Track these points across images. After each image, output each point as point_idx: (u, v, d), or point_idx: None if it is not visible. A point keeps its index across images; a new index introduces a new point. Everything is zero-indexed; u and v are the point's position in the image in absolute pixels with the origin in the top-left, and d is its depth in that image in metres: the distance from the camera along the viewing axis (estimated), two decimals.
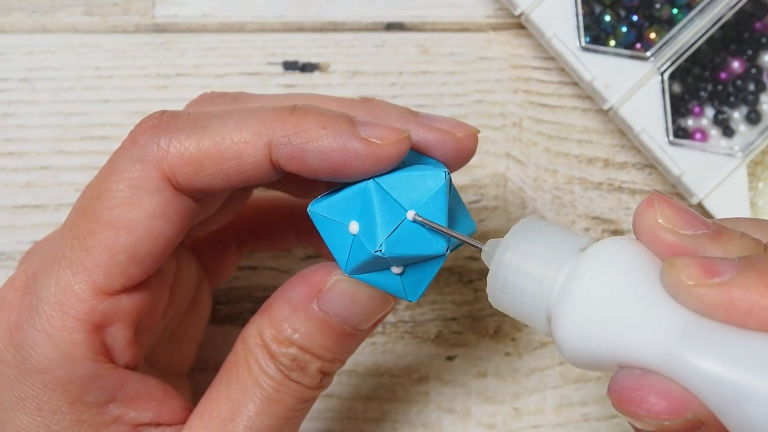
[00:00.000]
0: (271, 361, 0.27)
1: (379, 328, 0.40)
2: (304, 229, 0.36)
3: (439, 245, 0.26)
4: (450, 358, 0.40)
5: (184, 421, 0.29)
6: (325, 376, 0.28)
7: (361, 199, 0.26)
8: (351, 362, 0.39)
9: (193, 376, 0.39)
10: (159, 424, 0.28)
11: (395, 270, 0.27)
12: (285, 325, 0.27)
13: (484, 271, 0.40)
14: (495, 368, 0.40)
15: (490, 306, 0.40)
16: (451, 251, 0.27)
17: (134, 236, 0.26)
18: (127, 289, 0.27)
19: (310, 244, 0.36)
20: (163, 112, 0.27)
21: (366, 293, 0.27)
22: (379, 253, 0.26)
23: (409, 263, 0.27)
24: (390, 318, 0.40)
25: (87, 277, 0.26)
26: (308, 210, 0.27)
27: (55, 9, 0.40)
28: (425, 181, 0.26)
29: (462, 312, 0.40)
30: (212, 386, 0.28)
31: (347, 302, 0.27)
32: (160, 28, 0.40)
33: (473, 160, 0.40)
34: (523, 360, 0.40)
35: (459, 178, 0.40)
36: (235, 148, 0.26)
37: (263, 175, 0.27)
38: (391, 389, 0.40)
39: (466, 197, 0.40)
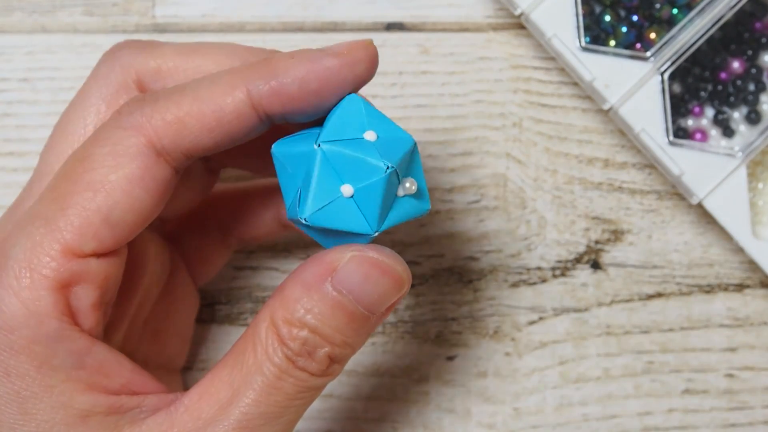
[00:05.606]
0: (279, 346, 0.27)
1: (380, 328, 0.40)
2: (284, 212, 0.36)
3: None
4: (450, 358, 0.40)
5: (160, 392, 0.28)
6: (333, 363, 0.28)
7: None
8: (351, 362, 0.39)
9: (193, 376, 0.39)
10: (136, 393, 0.28)
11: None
12: (298, 305, 0.27)
13: (484, 272, 0.40)
14: (495, 368, 0.40)
15: (491, 306, 0.40)
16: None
17: (111, 199, 0.27)
18: (97, 255, 0.27)
19: (292, 228, 0.36)
20: (144, 93, 0.29)
21: (379, 268, 0.27)
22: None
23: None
24: (390, 318, 0.40)
25: (59, 235, 0.26)
26: (271, 150, 0.27)
27: (55, 9, 0.40)
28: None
29: (462, 312, 0.40)
30: (216, 368, 0.28)
31: (361, 278, 0.27)
32: (160, 28, 0.40)
33: (473, 160, 0.40)
34: (523, 360, 0.40)
35: (459, 178, 0.40)
36: (214, 99, 0.27)
37: (246, 124, 0.28)
38: (391, 389, 0.40)
39: (466, 197, 0.40)
